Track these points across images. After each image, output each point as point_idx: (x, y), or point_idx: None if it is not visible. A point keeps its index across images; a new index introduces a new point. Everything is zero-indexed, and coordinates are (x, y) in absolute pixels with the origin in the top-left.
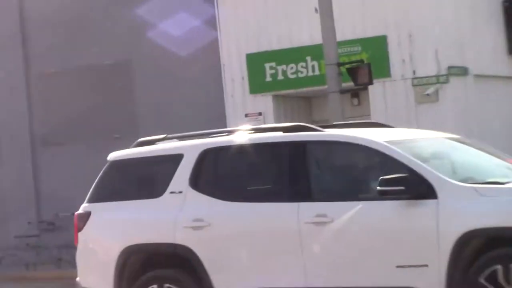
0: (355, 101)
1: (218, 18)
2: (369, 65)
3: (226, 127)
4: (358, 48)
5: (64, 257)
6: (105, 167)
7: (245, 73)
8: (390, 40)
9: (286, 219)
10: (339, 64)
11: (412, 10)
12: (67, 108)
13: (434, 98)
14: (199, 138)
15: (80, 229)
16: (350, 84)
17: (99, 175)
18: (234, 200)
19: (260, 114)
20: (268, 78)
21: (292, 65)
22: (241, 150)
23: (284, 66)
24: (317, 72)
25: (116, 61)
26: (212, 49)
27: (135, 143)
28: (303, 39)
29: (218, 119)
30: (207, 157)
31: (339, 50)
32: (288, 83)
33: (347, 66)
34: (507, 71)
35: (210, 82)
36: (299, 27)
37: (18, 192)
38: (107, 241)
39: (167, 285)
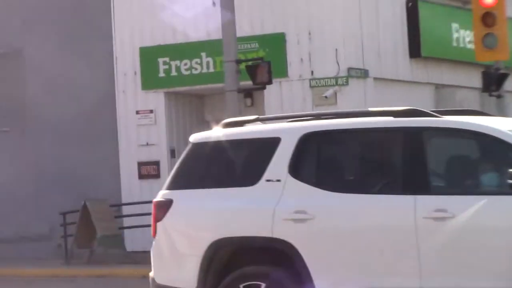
0: (248, 101)
1: (113, 7)
2: (269, 63)
3: (116, 123)
4: (255, 45)
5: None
6: (187, 150)
7: (138, 68)
8: (288, 38)
9: (400, 214)
10: (238, 61)
11: (313, 7)
12: None
13: (332, 100)
14: (296, 121)
15: (159, 219)
16: (247, 82)
17: (181, 159)
18: (340, 191)
19: (151, 111)
20: (161, 74)
21: (186, 61)
22: (347, 135)
23: (178, 62)
24: (212, 69)
25: (6, 50)
26: (105, 40)
27: (221, 123)
28: (199, 34)
29: (109, 115)
30: (309, 142)
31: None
32: (181, 79)
33: (247, 63)
34: (408, 76)
35: (102, 75)
36: (195, 21)
37: None
38: (192, 232)
39: (261, 283)
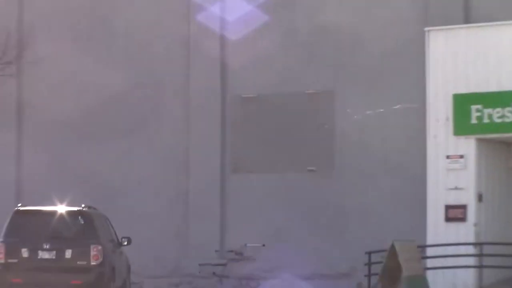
0: None
1: (429, 56)
2: None
3: (425, 168)
4: None
5: None
6: None
7: (450, 114)
8: None
9: None
10: None
11: None
12: (262, 134)
13: None
14: None
15: None
16: None
17: None
18: None
19: (461, 156)
20: (473, 121)
21: (499, 109)
22: None
23: (490, 110)
24: None
25: (319, 89)
26: (417, 89)
27: None
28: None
29: (418, 160)
30: None
31: None
32: (493, 127)
33: None
34: None
35: (412, 121)
36: (509, 70)
37: (204, 219)
38: None
39: None
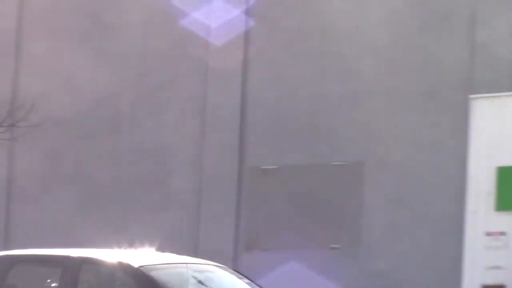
0: None
1: (472, 126)
2: None
3: (463, 243)
4: None
5: None
6: None
7: (492, 188)
8: None
9: None
10: None
11: None
12: (279, 209)
13: None
14: None
15: None
16: None
17: None
18: None
19: (502, 233)
20: None
21: None
22: None
23: None
24: None
25: (345, 162)
26: (456, 158)
27: None
28: None
29: (454, 235)
30: None
31: None
32: None
33: None
34: None
35: (450, 194)
36: None
37: None
38: None
39: None
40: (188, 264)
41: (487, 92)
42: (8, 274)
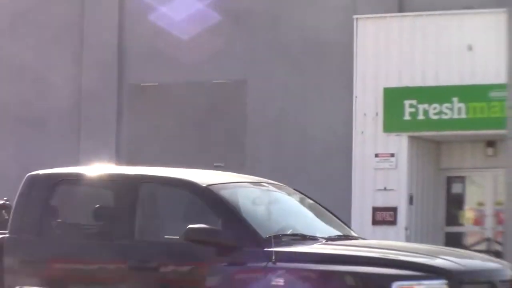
0: (490, 151)
1: (356, 45)
2: None
3: (351, 165)
4: None
5: None
6: None
7: (381, 109)
8: None
9: None
10: None
11: None
12: (160, 127)
13: None
14: None
15: None
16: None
17: None
18: None
19: (392, 155)
20: (407, 117)
21: (436, 105)
22: None
23: (426, 105)
24: (463, 115)
25: (229, 79)
26: (345, 78)
27: None
28: (451, 78)
29: (341, 157)
30: None
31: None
32: (428, 124)
33: None
34: None
35: (339, 114)
36: (447, 65)
37: None
38: None
39: None
40: (255, 183)
41: (372, 13)
42: (52, 196)
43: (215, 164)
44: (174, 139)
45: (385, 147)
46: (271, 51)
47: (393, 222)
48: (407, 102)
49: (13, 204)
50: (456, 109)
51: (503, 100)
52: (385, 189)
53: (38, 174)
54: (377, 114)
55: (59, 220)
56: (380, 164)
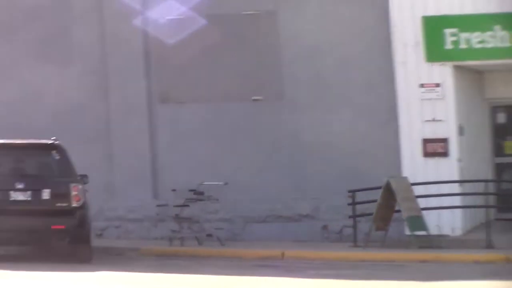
0: None
1: None
2: None
3: (394, 95)
4: None
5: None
6: None
7: (420, 39)
8: None
9: None
10: None
11: None
12: (191, 61)
13: None
14: None
15: None
16: None
17: None
18: None
19: (437, 85)
20: (449, 46)
21: (477, 33)
22: None
23: (467, 34)
24: (507, 44)
25: (259, 10)
26: (381, 8)
27: None
28: (490, 6)
29: (385, 85)
30: None
31: None
32: (472, 52)
33: None
34: None
35: (376, 44)
36: None
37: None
38: None
39: None
40: None
41: None
42: None
43: (253, 98)
44: (208, 76)
45: (429, 77)
46: None
47: (445, 154)
48: (447, 31)
49: None
50: (499, 38)
51: None
52: (433, 120)
53: None
54: (417, 44)
55: None
56: (426, 95)
